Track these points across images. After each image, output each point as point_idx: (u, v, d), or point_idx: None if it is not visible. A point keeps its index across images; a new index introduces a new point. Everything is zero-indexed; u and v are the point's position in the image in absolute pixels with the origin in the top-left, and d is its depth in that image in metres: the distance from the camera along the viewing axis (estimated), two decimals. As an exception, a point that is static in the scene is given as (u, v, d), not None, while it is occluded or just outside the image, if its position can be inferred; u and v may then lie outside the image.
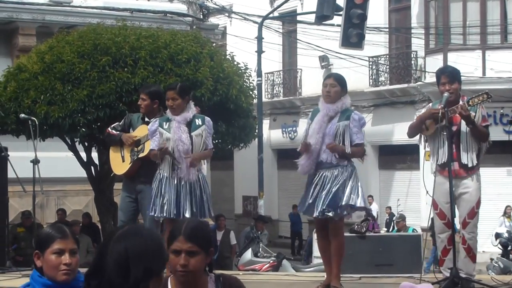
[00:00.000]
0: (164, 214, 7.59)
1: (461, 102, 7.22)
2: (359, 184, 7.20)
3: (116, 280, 2.81)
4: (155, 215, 7.65)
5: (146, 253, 2.84)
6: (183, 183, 7.61)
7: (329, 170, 7.19)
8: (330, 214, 7.08)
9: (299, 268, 14.53)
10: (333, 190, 7.09)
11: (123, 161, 8.35)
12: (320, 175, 7.21)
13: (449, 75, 7.38)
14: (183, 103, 7.64)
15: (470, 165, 7.22)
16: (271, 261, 14.82)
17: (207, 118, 7.81)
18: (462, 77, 7.61)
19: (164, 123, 7.67)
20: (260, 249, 15.76)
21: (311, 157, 7.22)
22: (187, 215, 7.48)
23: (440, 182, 7.21)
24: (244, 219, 29.26)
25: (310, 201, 7.23)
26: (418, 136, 7.58)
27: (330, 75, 7.63)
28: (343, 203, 7.07)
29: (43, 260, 3.86)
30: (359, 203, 7.14)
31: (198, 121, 7.70)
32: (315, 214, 7.19)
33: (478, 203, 7.24)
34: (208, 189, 7.87)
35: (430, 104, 7.63)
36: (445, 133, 7.16)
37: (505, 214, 20.06)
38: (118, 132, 8.43)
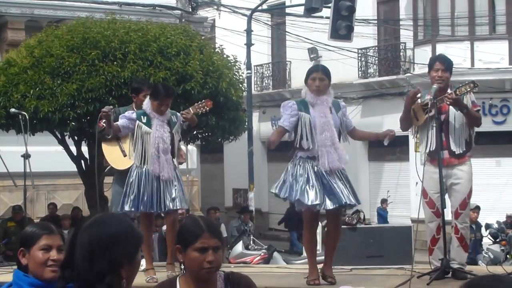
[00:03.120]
0: (142, 208, 7.63)
1: (449, 91, 7.25)
2: None
3: (84, 272, 2.78)
4: (130, 210, 7.64)
5: (111, 244, 2.78)
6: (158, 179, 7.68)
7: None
8: (354, 205, 7.24)
9: (290, 261, 14.57)
10: (347, 183, 7.21)
11: (125, 155, 8.30)
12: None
13: (444, 62, 7.40)
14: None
15: (459, 152, 7.25)
16: (262, 254, 14.85)
17: (178, 114, 7.96)
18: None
19: (142, 116, 7.69)
20: (251, 241, 15.79)
21: (331, 153, 7.18)
22: (171, 207, 7.59)
23: (431, 171, 7.23)
24: (234, 212, 29.28)
25: (323, 193, 7.13)
26: (411, 132, 7.62)
27: (317, 67, 7.58)
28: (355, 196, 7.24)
29: (29, 257, 3.76)
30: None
31: (174, 118, 7.84)
32: (332, 205, 7.12)
33: (470, 194, 7.28)
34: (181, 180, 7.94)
35: (422, 91, 7.61)
36: (434, 123, 7.19)
37: None
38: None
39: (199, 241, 3.45)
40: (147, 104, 7.70)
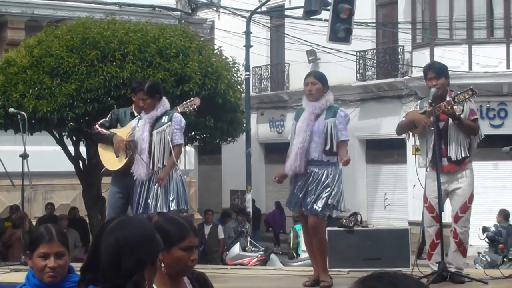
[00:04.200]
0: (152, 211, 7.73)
1: (448, 98, 7.27)
2: (341, 186, 7.32)
3: (109, 273, 2.85)
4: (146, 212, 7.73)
5: (137, 245, 2.87)
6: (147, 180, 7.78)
7: (318, 167, 7.24)
8: (321, 211, 7.15)
9: (287, 263, 14.58)
10: (323, 188, 7.15)
11: (117, 156, 8.31)
12: (310, 172, 7.24)
13: (435, 70, 7.45)
14: (153, 102, 7.79)
15: (458, 158, 7.28)
16: (259, 256, 14.86)
17: (176, 115, 7.95)
18: (448, 72, 7.67)
19: (140, 120, 7.84)
20: (248, 243, 15.80)
21: (302, 155, 7.24)
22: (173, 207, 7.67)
23: (432, 177, 7.27)
24: (232, 213, 29.28)
25: (300, 196, 7.26)
26: (406, 137, 7.66)
27: (310, 73, 7.65)
28: (330, 202, 7.16)
29: (32, 262, 3.95)
30: (343, 207, 7.31)
31: (165, 119, 7.85)
32: (305, 209, 7.22)
33: (471, 198, 7.31)
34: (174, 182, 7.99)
35: (418, 102, 7.68)
36: (433, 130, 7.22)
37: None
38: (108, 132, 8.36)
39: (187, 241, 3.54)
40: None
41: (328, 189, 7.15)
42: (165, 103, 7.90)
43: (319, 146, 7.22)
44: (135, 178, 7.82)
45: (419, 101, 7.74)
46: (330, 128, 7.21)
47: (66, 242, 4.05)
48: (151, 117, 7.79)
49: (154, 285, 3.21)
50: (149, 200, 7.76)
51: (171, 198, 7.78)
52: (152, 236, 2.97)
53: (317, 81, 7.33)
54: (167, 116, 7.85)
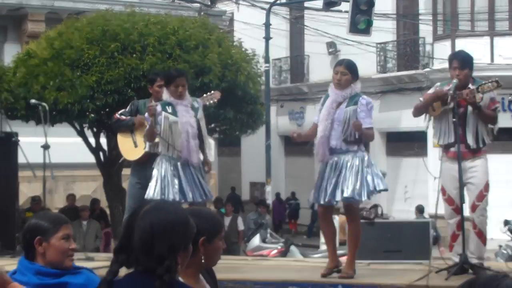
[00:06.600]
0: (184, 198, 7.61)
1: (470, 86, 7.21)
2: (373, 168, 7.23)
3: (141, 256, 2.86)
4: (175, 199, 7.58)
5: (171, 230, 2.87)
6: (189, 166, 7.65)
7: (338, 156, 7.21)
8: (352, 199, 7.14)
9: (307, 254, 14.58)
10: (349, 176, 7.11)
11: (136, 146, 8.31)
12: (332, 161, 7.22)
13: (460, 60, 7.39)
14: (186, 87, 7.75)
15: (474, 147, 7.23)
16: (279, 247, 14.87)
17: (198, 99, 7.90)
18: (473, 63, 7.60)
19: (167, 107, 7.65)
20: (268, 234, 15.80)
21: (324, 144, 7.23)
22: (199, 199, 7.60)
23: (447, 167, 7.23)
24: (251, 205, 29.31)
25: (327, 187, 7.20)
26: (424, 119, 7.55)
27: (342, 61, 7.56)
28: (369, 188, 7.13)
29: (48, 246, 3.81)
30: (382, 185, 7.22)
31: (195, 104, 7.77)
32: (336, 199, 7.18)
33: (486, 186, 7.24)
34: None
35: (438, 84, 7.62)
36: (451, 115, 7.17)
37: None
38: (129, 117, 8.40)
39: (222, 230, 3.54)
40: (166, 94, 7.69)
41: (357, 176, 7.10)
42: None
43: (339, 134, 7.20)
44: (180, 163, 7.63)
45: (438, 83, 7.67)
46: (349, 116, 7.18)
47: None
48: (190, 103, 7.73)
49: (180, 278, 3.18)
50: (195, 187, 7.68)
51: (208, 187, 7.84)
52: (186, 222, 2.96)
53: (348, 71, 7.29)
54: (195, 102, 7.81)
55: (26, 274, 3.78)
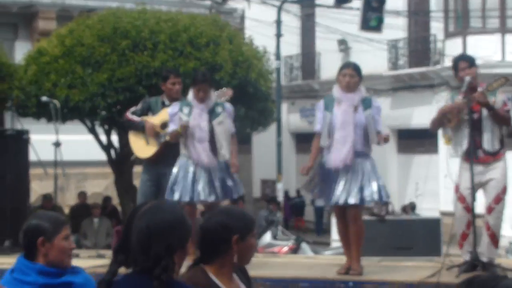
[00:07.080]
0: (202, 198, 7.65)
1: (480, 89, 7.22)
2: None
3: (139, 256, 2.89)
4: (190, 200, 7.64)
5: (168, 230, 2.90)
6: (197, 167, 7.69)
7: (361, 158, 7.26)
8: (372, 201, 7.27)
9: (318, 252, 14.57)
10: (370, 178, 7.21)
11: (148, 143, 8.31)
12: (355, 163, 7.24)
13: (467, 60, 7.43)
14: (210, 92, 7.72)
15: (492, 150, 7.24)
16: (290, 244, 14.86)
17: (227, 104, 7.88)
18: (481, 61, 7.62)
19: (185, 107, 7.68)
20: (279, 231, 15.81)
21: (352, 150, 7.22)
22: (213, 199, 7.65)
23: (465, 168, 7.23)
24: (263, 202, 29.33)
25: (343, 188, 7.23)
26: (442, 135, 7.64)
27: (349, 64, 7.61)
28: (379, 192, 7.22)
29: (50, 246, 3.82)
30: (385, 197, 7.35)
31: (218, 109, 7.75)
32: (354, 201, 7.20)
33: (504, 189, 7.25)
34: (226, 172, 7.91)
35: (450, 95, 7.64)
36: (466, 122, 7.17)
37: None
38: (140, 119, 8.35)
39: (254, 228, 3.52)
40: (190, 93, 7.75)
41: (374, 179, 7.19)
42: (213, 93, 7.84)
43: (360, 138, 7.23)
44: (194, 164, 7.68)
45: (451, 94, 7.69)
46: (370, 121, 7.24)
47: None
48: (207, 107, 7.73)
49: (214, 277, 3.26)
50: (214, 188, 7.70)
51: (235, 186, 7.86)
52: (183, 222, 2.98)
53: (356, 74, 7.34)
54: (219, 106, 7.80)
55: (30, 273, 3.80)
